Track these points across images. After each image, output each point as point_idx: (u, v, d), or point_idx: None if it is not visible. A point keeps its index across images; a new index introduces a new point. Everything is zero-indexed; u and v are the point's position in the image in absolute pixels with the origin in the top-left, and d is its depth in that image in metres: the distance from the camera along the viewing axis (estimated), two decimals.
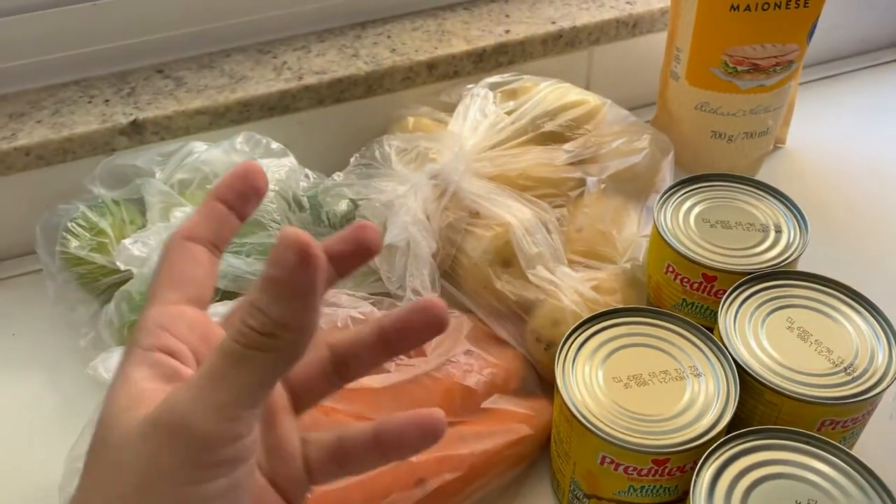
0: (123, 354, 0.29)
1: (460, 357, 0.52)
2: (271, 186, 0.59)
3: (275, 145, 0.64)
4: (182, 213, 0.56)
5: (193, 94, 0.69)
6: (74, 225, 0.57)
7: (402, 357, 0.51)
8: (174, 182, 0.60)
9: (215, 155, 0.63)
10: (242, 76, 0.71)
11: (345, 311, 0.51)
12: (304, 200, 0.60)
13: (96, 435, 0.27)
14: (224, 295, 0.54)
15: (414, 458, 0.48)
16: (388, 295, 0.56)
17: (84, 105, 0.69)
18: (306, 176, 0.62)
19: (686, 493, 0.44)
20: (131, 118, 0.67)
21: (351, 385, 0.48)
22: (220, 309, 0.51)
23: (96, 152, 0.67)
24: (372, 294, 0.56)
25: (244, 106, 0.69)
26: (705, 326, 0.49)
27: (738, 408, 0.44)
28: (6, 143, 0.65)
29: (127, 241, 0.53)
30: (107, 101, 0.69)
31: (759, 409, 0.46)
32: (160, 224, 0.55)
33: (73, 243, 0.55)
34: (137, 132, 0.67)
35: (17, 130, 0.66)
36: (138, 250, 0.53)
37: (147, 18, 0.71)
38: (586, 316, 0.50)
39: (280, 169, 0.61)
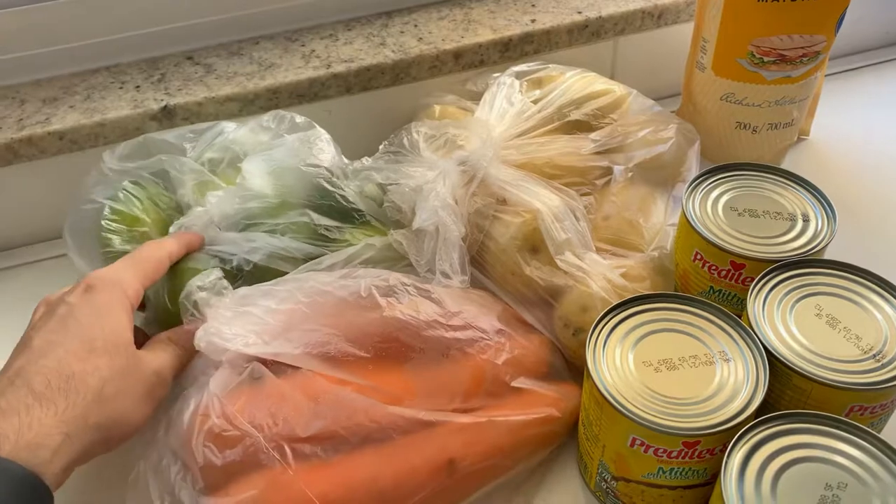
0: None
1: (492, 335, 0.52)
2: (299, 165, 0.59)
3: (300, 119, 0.64)
4: (215, 198, 0.57)
5: (223, 81, 0.70)
6: (109, 223, 0.57)
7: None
8: (204, 160, 0.61)
9: (243, 134, 0.63)
10: (271, 63, 0.72)
11: (367, 281, 0.52)
12: (348, 170, 0.61)
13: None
14: (255, 270, 0.55)
15: (444, 439, 0.49)
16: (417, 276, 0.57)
17: (115, 91, 0.70)
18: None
19: (714, 476, 0.45)
20: (162, 104, 0.68)
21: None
22: (244, 291, 0.52)
23: (128, 137, 0.67)
24: None
25: (273, 93, 0.70)
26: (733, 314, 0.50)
27: (766, 393, 0.45)
28: (40, 127, 0.66)
29: (173, 230, 0.55)
30: (138, 86, 0.70)
31: (787, 395, 0.47)
32: (199, 209, 0.56)
33: (116, 240, 0.56)
34: (168, 118, 0.68)
35: (50, 115, 0.67)
36: None
37: (177, 5, 0.72)
38: (615, 302, 0.51)
39: (311, 145, 0.61)
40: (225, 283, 0.53)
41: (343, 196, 0.59)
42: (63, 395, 0.42)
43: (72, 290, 0.48)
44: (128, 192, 0.59)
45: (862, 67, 0.89)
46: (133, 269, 0.50)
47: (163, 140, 0.62)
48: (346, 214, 0.59)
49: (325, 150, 0.61)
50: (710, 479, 0.47)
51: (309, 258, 0.56)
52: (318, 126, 0.63)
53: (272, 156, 0.59)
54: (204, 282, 0.52)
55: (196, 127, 0.63)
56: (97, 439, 0.43)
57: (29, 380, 0.42)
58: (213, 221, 0.56)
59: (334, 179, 0.60)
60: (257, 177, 0.58)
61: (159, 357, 0.49)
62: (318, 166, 0.60)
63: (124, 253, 0.54)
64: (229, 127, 0.63)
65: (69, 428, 0.42)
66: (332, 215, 0.59)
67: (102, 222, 0.57)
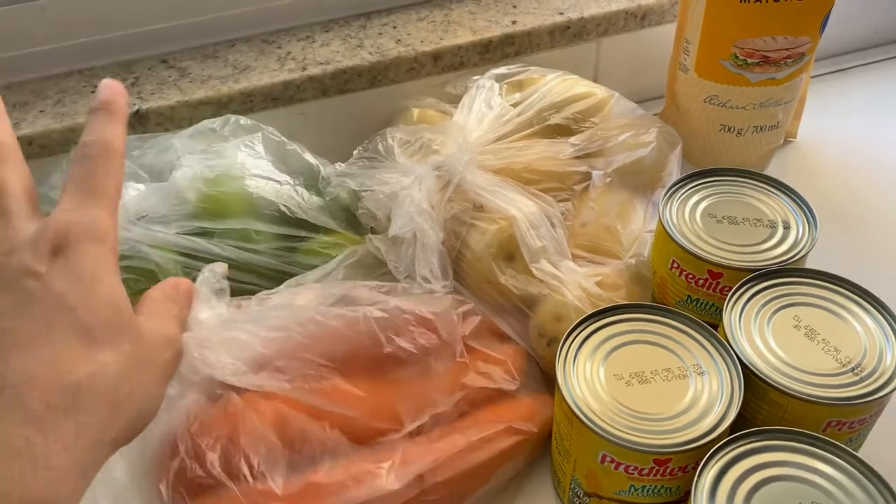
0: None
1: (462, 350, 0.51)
2: (241, 173, 0.58)
3: (244, 121, 0.63)
4: (135, 191, 0.56)
5: (197, 85, 0.69)
6: None
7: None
8: (144, 162, 0.60)
9: (185, 136, 0.62)
10: (246, 66, 0.70)
11: (367, 310, 0.50)
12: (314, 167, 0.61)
13: None
14: None
15: (414, 454, 0.48)
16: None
17: (87, 94, 0.68)
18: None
19: (688, 494, 0.43)
20: (135, 108, 0.66)
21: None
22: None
23: None
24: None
25: (247, 96, 0.68)
26: (710, 324, 0.48)
27: (742, 407, 0.44)
28: None
29: None
30: None
31: (763, 409, 0.46)
32: None
33: None
34: (141, 122, 0.67)
35: (20, 120, 0.66)
36: None
37: (151, 8, 0.70)
38: (589, 312, 0.49)
39: (255, 151, 0.60)
40: (225, 283, 0.50)
41: (287, 207, 0.58)
42: (71, 418, 0.32)
43: (34, 254, 0.34)
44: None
45: (851, 68, 0.87)
46: (101, 203, 0.36)
47: None
48: (300, 223, 0.58)
49: (268, 157, 0.60)
50: (684, 497, 0.45)
51: (266, 269, 0.55)
52: (266, 129, 0.62)
53: (207, 160, 0.58)
54: (209, 273, 0.48)
55: (147, 136, 0.62)
56: (112, 451, 0.35)
57: (21, 398, 0.31)
58: (128, 213, 0.54)
59: (282, 188, 0.58)
60: (186, 179, 0.57)
61: (166, 321, 0.39)
62: (263, 176, 0.58)
63: None
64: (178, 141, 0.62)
65: (84, 461, 0.32)
66: (283, 224, 0.58)
67: None
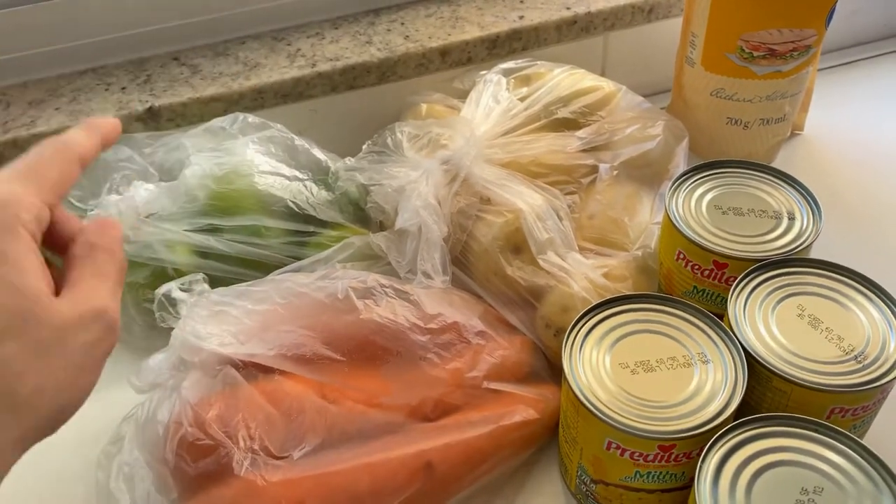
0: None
1: (472, 337, 0.52)
2: (250, 170, 0.59)
3: (252, 119, 0.64)
4: (146, 192, 0.57)
5: (208, 82, 0.70)
6: None
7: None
8: (154, 160, 0.61)
9: (195, 134, 0.64)
10: (257, 63, 0.71)
11: (344, 283, 0.52)
12: (323, 162, 0.62)
13: None
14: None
15: (422, 443, 0.49)
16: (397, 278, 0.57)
17: (101, 92, 0.69)
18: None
19: (692, 480, 0.44)
20: (147, 105, 0.67)
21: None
22: (221, 290, 0.52)
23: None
24: None
25: (258, 93, 0.69)
26: (716, 314, 0.49)
27: (746, 395, 0.44)
28: (25, 129, 0.66)
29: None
30: (123, 88, 0.70)
31: (767, 397, 0.46)
32: (116, 196, 0.56)
33: None
34: (153, 119, 0.68)
35: (35, 118, 0.67)
36: None
37: (163, 6, 0.71)
38: (595, 302, 0.50)
39: (263, 148, 0.61)
40: (205, 286, 0.53)
41: (296, 202, 0.59)
42: None
43: None
44: None
45: (858, 61, 0.87)
46: (25, 180, 0.33)
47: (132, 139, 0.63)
48: (308, 218, 0.59)
49: (277, 154, 0.61)
50: (689, 483, 0.46)
51: (276, 264, 0.56)
52: (275, 126, 0.63)
53: (217, 157, 0.59)
54: (186, 283, 0.52)
55: (158, 133, 0.64)
56: (20, 452, 0.31)
57: None
58: (138, 211, 0.56)
59: (290, 184, 0.59)
60: (196, 177, 0.58)
61: (95, 290, 0.33)
62: (272, 173, 0.59)
63: None
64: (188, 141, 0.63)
65: None
66: (292, 220, 0.58)
67: None
